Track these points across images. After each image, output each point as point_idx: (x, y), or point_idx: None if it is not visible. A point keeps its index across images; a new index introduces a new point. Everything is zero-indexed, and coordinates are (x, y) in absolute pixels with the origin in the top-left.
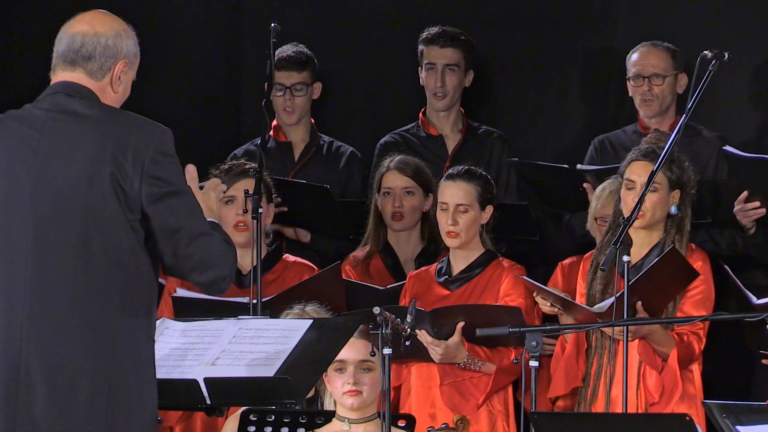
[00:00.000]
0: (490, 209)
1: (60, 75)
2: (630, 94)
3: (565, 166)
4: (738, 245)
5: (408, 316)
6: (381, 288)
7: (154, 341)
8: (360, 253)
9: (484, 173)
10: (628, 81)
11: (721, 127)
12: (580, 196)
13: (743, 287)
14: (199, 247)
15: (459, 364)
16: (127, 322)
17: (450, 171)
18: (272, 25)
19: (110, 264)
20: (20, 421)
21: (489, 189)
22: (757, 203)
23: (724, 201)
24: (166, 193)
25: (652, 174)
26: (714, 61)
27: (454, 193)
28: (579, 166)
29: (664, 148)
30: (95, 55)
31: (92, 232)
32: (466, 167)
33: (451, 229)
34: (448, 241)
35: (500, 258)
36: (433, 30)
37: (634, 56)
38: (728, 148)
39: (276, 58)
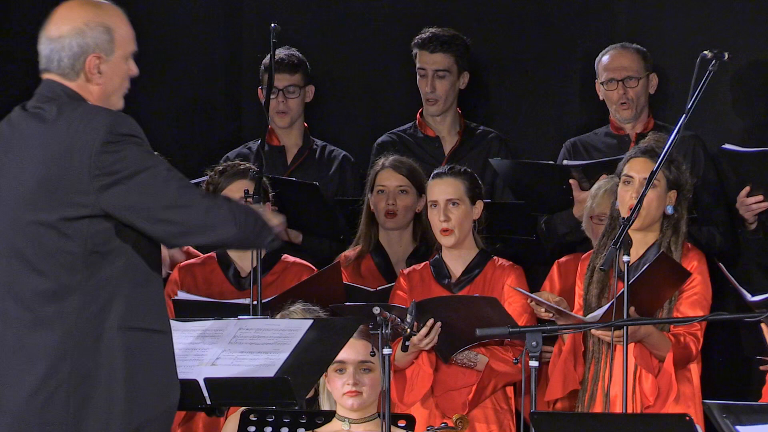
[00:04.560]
0: (480, 204)
1: (45, 74)
2: (601, 97)
3: (550, 162)
4: (717, 243)
5: (408, 315)
6: (372, 290)
7: (138, 331)
8: (351, 252)
9: (469, 170)
10: (599, 85)
11: (702, 129)
12: (563, 194)
13: (738, 285)
14: (176, 214)
15: (456, 361)
16: (91, 318)
17: (435, 171)
18: (272, 25)
19: (67, 261)
20: None
21: (476, 184)
22: (760, 197)
23: (703, 199)
24: (123, 177)
25: (652, 173)
26: (714, 61)
27: (443, 189)
28: (565, 161)
29: (663, 148)
30: (62, 58)
31: (46, 230)
32: (451, 165)
33: (444, 226)
34: (443, 240)
35: (494, 257)
36: (425, 34)
37: (604, 59)
38: (727, 146)
39: (268, 61)
